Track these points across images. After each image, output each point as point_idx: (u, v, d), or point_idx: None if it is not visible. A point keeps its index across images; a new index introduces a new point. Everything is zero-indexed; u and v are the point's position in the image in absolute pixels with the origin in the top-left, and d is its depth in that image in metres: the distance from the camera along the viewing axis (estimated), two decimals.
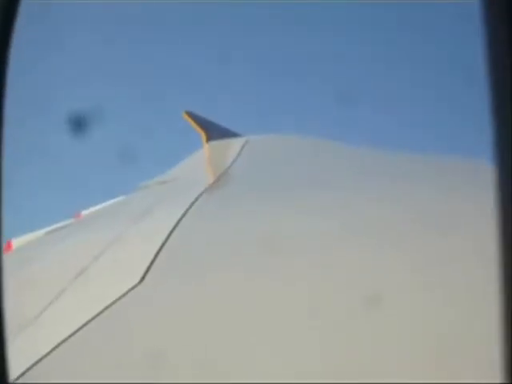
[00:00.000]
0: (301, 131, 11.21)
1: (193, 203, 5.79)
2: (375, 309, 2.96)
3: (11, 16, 1.83)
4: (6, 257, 2.41)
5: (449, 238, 3.77)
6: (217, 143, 11.87)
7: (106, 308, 3.50)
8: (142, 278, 3.84)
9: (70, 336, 3.27)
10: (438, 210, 4.46)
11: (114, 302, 3.55)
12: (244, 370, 2.71)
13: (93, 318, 3.41)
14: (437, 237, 3.85)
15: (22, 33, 1.92)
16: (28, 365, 2.99)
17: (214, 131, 12.55)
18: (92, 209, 8.38)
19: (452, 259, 3.47)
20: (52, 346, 3.20)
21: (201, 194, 6.32)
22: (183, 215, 5.29)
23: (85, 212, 8.28)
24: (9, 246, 6.26)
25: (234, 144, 11.10)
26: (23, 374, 2.87)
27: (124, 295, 3.64)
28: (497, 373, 2.26)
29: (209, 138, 12.21)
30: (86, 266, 4.43)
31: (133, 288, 3.73)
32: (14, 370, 2.15)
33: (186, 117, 12.86)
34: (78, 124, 6.33)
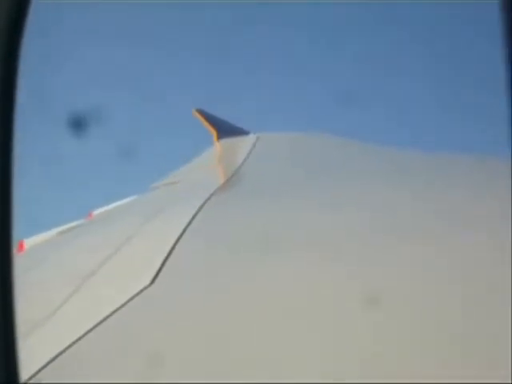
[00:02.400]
0: (309, 128, 11.23)
1: (204, 203, 5.79)
2: (378, 307, 2.96)
3: (20, 26, 1.84)
4: (18, 257, 2.41)
5: (463, 235, 3.78)
6: (228, 141, 11.87)
7: (118, 309, 3.50)
8: (153, 280, 3.84)
9: (81, 337, 3.27)
10: (452, 206, 4.46)
11: (125, 304, 3.55)
12: (248, 369, 2.72)
13: (104, 319, 3.41)
14: (450, 233, 3.85)
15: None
16: (39, 365, 3.00)
17: (225, 129, 12.56)
18: (103, 208, 8.39)
19: (465, 257, 3.47)
20: (63, 346, 3.20)
21: (212, 194, 6.31)
22: (194, 216, 5.29)
23: (96, 212, 8.29)
24: (21, 246, 6.27)
25: (245, 142, 11.10)
26: (34, 374, 2.87)
27: (135, 296, 3.64)
28: (504, 373, 2.27)
29: (220, 136, 12.22)
30: (98, 266, 4.44)
31: (144, 289, 3.73)
32: (25, 370, 2.15)
33: (196, 114, 12.87)
34: (86, 124, 6.35)
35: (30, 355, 2.18)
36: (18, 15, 1.87)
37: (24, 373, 2.11)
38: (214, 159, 11.11)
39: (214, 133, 12.27)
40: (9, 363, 1.87)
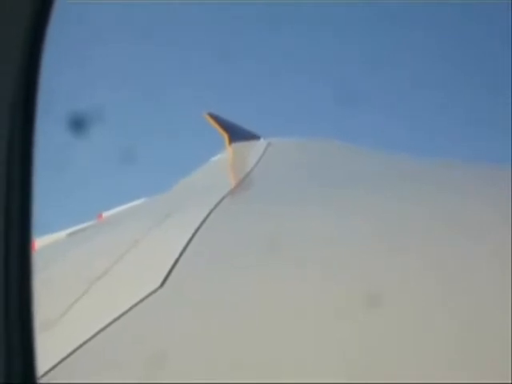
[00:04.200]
0: (319, 133, 11.24)
1: (215, 207, 5.80)
2: (380, 308, 2.98)
3: (43, 29, 1.85)
4: None
5: (464, 240, 3.79)
6: (239, 145, 11.87)
7: (127, 311, 3.52)
8: (163, 282, 3.85)
9: (90, 338, 3.29)
10: (453, 212, 4.47)
11: (134, 306, 3.57)
12: (250, 369, 2.74)
13: (114, 321, 3.43)
14: (450, 239, 3.86)
15: None
16: (50, 365, 3.02)
17: (237, 133, 12.56)
18: (114, 210, 8.41)
19: (466, 261, 3.48)
20: (74, 347, 3.22)
21: (223, 198, 6.32)
22: (205, 219, 5.30)
23: (107, 213, 8.31)
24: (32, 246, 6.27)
25: (257, 146, 11.11)
26: (46, 373, 2.89)
27: (145, 299, 3.65)
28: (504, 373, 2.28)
29: (231, 140, 12.23)
30: (108, 268, 4.45)
31: (154, 292, 3.74)
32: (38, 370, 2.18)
33: (208, 119, 12.88)
34: (97, 127, 6.36)
35: (40, 355, 2.19)
36: (41, 16, 1.89)
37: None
38: (225, 163, 11.12)
39: (225, 137, 12.29)
40: (26, 364, 1.89)
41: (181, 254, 4.34)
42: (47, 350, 3.13)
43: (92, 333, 3.33)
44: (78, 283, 4.30)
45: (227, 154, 11.76)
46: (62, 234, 7.28)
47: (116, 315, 3.48)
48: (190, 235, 4.77)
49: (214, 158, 11.49)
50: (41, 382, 2.63)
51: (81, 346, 3.23)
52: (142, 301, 3.62)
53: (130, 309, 3.53)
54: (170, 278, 3.93)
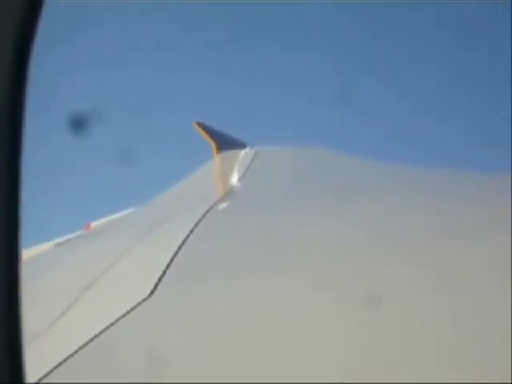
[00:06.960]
0: (309, 142, 11.25)
1: (203, 216, 5.80)
2: (378, 311, 2.98)
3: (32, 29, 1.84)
4: None
5: (463, 245, 3.80)
6: (227, 154, 11.86)
7: (116, 321, 3.50)
8: (152, 292, 3.84)
9: (79, 349, 3.27)
10: (452, 218, 4.49)
11: (123, 316, 3.56)
12: (247, 371, 2.73)
13: (103, 331, 3.42)
14: (449, 244, 3.87)
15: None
16: (38, 376, 3.00)
17: (225, 142, 12.56)
18: (102, 220, 8.40)
19: (466, 265, 3.49)
20: (61, 358, 3.20)
21: (212, 207, 6.32)
22: (194, 228, 5.30)
23: (95, 223, 8.30)
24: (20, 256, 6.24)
25: (245, 155, 11.11)
26: None
27: (134, 308, 3.64)
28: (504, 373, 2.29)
29: (219, 149, 12.22)
30: (96, 278, 4.44)
31: (143, 301, 3.73)
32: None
33: (196, 127, 12.88)
34: (85, 133, 6.34)
35: (28, 366, 2.18)
36: (30, 19, 1.88)
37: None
38: (213, 172, 11.12)
39: (213, 146, 12.28)
40: (14, 364, 1.88)
41: (170, 264, 4.34)
42: (34, 362, 3.11)
43: (80, 344, 3.32)
44: (66, 294, 4.29)
45: (215, 162, 11.76)
46: (50, 244, 7.26)
47: (104, 326, 3.46)
48: (178, 245, 4.76)
49: (202, 167, 11.47)
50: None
51: (68, 357, 3.21)
52: (130, 311, 3.61)
53: (119, 319, 3.52)
54: (159, 287, 3.92)
